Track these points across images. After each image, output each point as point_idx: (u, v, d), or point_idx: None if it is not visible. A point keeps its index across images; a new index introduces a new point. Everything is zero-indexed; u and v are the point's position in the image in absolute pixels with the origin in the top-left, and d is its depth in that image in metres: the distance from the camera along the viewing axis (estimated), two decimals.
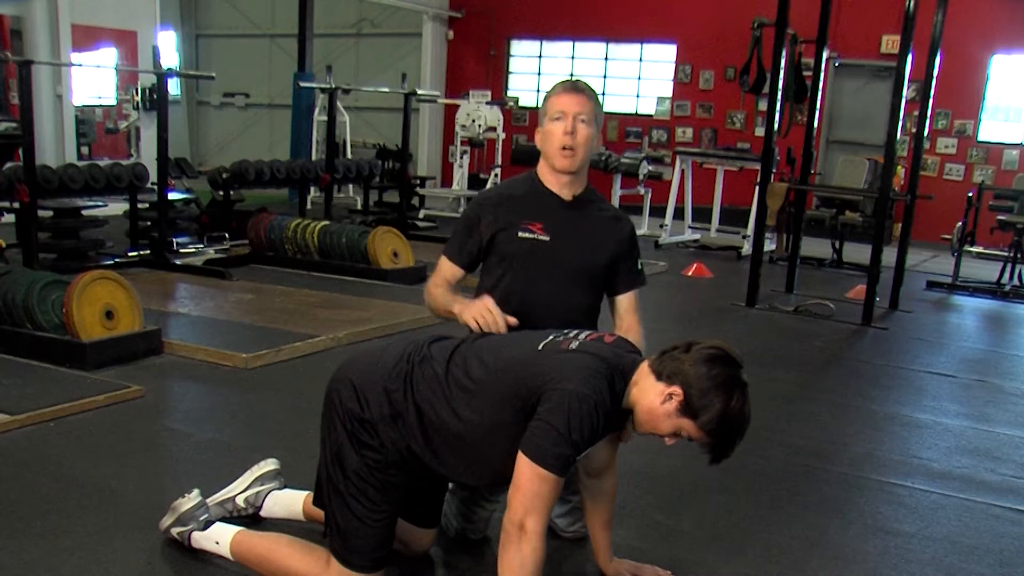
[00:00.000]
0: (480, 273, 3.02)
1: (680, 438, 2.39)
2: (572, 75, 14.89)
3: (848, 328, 6.87)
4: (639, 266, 3.08)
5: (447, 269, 2.98)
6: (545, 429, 2.25)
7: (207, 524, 2.81)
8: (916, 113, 8.33)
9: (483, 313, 2.71)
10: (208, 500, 2.93)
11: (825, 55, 8.18)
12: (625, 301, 3.05)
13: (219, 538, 2.76)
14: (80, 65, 10.66)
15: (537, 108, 3.53)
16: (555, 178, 2.92)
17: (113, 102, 11.62)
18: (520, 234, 2.88)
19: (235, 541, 2.74)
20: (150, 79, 9.95)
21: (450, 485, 2.91)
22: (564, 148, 2.84)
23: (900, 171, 10.55)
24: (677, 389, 2.32)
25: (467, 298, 2.86)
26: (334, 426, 2.49)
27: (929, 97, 7.81)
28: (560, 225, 2.90)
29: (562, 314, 2.83)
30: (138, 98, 11.26)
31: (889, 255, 7.51)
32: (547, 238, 2.88)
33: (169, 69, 8.07)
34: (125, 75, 11.36)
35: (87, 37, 10.59)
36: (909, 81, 7.20)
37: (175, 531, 2.83)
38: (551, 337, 2.48)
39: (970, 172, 12.42)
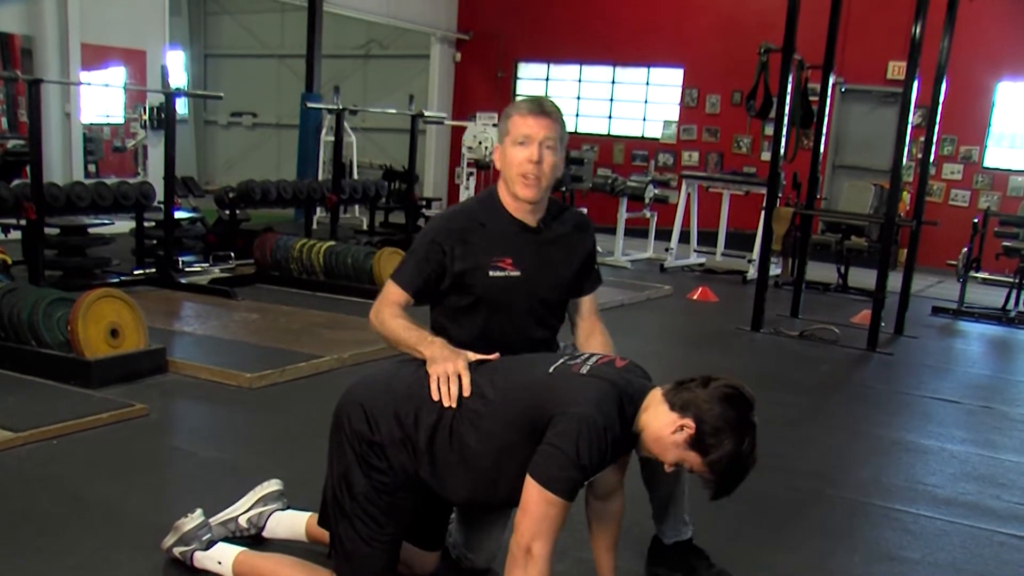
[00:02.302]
0: (443, 313, 2.82)
1: (680, 467, 2.39)
2: (579, 98, 14.95)
3: (853, 353, 6.86)
4: (596, 265, 3.00)
5: (395, 295, 2.73)
6: (554, 453, 2.25)
7: (210, 544, 2.81)
8: (922, 139, 8.33)
9: (450, 377, 2.45)
10: (211, 520, 2.92)
11: (831, 80, 8.20)
12: (587, 303, 2.97)
13: (222, 558, 2.76)
14: (89, 84, 10.72)
15: None
16: (518, 205, 2.76)
17: (121, 121, 11.67)
18: (491, 273, 2.72)
19: (238, 561, 2.74)
20: (158, 98, 10.00)
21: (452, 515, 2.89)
22: (526, 177, 2.67)
23: (906, 196, 10.56)
24: (689, 422, 2.31)
25: (436, 338, 2.60)
26: (342, 448, 2.48)
27: (935, 123, 7.84)
28: (529, 256, 2.77)
29: (533, 341, 2.79)
30: (146, 117, 11.33)
31: (895, 280, 7.51)
32: (518, 273, 2.74)
33: (177, 88, 8.11)
34: (133, 94, 11.42)
35: (96, 56, 10.65)
36: (915, 107, 7.22)
37: (178, 551, 2.82)
38: (562, 361, 2.47)
39: (976, 198, 12.43)
